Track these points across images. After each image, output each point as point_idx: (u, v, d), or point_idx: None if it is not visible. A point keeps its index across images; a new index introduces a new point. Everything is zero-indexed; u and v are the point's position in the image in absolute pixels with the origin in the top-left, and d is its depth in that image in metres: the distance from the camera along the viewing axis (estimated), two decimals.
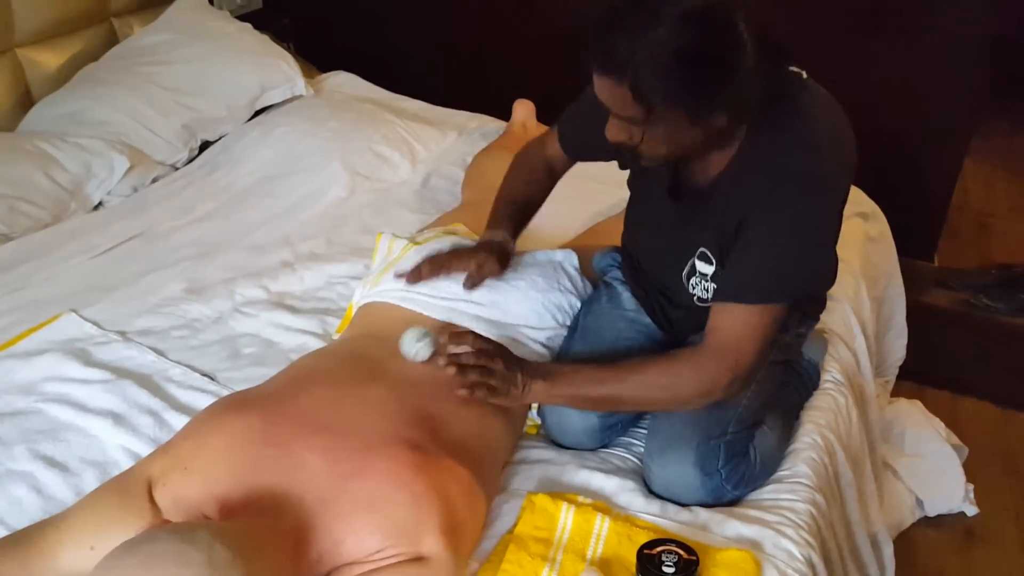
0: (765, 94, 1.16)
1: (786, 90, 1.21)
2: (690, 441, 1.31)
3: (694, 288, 1.35)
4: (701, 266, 1.32)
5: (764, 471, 1.37)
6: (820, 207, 1.23)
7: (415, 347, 1.30)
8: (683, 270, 1.35)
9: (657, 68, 1.07)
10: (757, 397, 1.39)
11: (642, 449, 1.42)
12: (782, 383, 1.49)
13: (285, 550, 1.00)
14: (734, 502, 1.34)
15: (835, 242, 1.33)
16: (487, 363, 1.26)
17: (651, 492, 1.33)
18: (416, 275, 1.46)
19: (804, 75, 1.24)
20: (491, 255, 1.47)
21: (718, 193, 1.26)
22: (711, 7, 1.08)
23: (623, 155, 1.39)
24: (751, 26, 1.09)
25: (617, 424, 1.44)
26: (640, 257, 1.53)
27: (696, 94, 1.10)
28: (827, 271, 1.38)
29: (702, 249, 1.31)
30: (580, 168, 1.62)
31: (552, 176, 1.61)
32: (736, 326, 1.24)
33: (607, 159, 1.47)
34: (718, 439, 1.32)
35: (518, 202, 1.57)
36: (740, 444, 1.34)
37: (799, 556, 1.20)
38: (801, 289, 1.30)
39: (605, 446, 1.44)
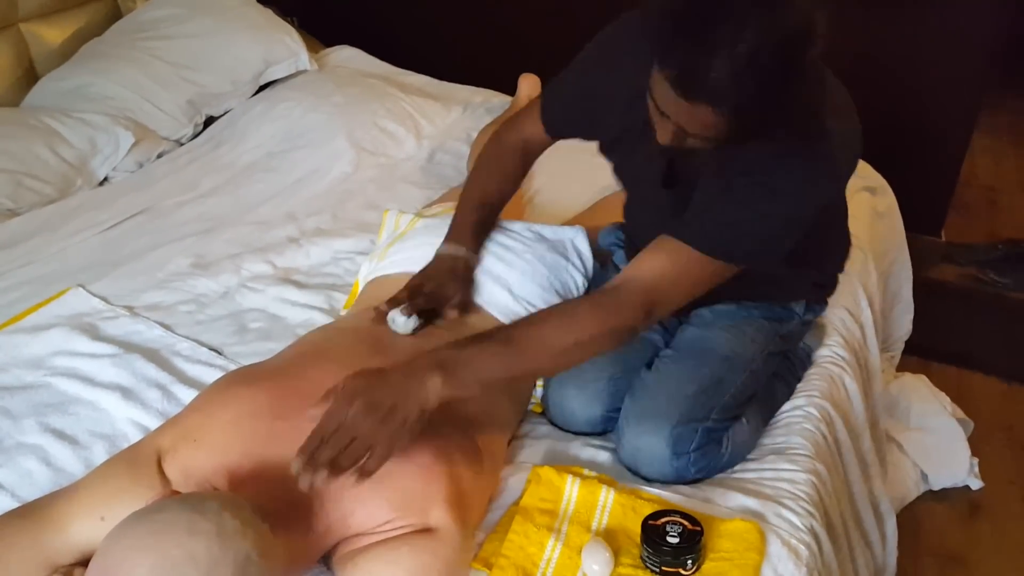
0: None
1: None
2: (670, 417, 1.30)
3: None
4: None
5: (729, 463, 1.35)
6: (809, 189, 1.18)
7: (402, 320, 1.30)
8: None
9: (760, 100, 1.00)
10: (748, 388, 1.38)
11: None
12: (774, 374, 1.47)
13: (294, 520, 1.01)
14: (693, 483, 1.32)
15: (808, 230, 1.25)
16: (347, 433, 1.02)
17: (620, 460, 1.33)
18: (390, 306, 1.32)
19: None
20: (455, 281, 1.35)
21: (709, 174, 1.22)
22: (800, 30, 1.00)
23: (607, 141, 1.37)
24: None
25: (619, 415, 1.42)
26: (641, 244, 1.50)
27: (779, 112, 1.05)
28: (781, 249, 1.27)
29: None
30: (586, 144, 1.60)
31: (526, 162, 1.51)
32: (672, 267, 1.19)
33: (587, 139, 1.43)
34: (698, 423, 1.30)
35: (488, 204, 1.48)
36: (717, 432, 1.33)
37: (801, 526, 1.21)
38: (761, 259, 1.24)
39: (609, 431, 1.44)
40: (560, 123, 1.44)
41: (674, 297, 1.21)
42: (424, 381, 1.06)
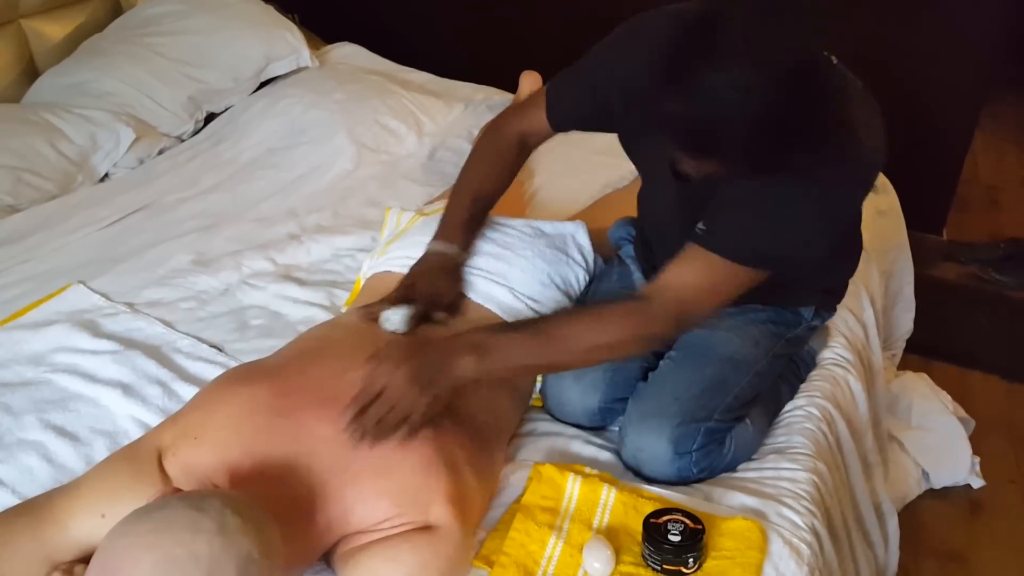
0: None
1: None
2: (672, 417, 1.30)
3: None
4: None
5: (731, 464, 1.35)
6: (839, 194, 1.19)
7: (396, 319, 1.28)
8: None
9: (770, 147, 1.01)
10: (752, 389, 1.38)
11: None
12: (779, 376, 1.47)
13: (295, 518, 1.01)
14: (695, 483, 1.32)
15: (843, 231, 1.29)
16: (395, 391, 1.11)
17: (621, 460, 1.33)
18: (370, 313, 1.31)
19: (833, 60, 1.16)
20: (446, 279, 1.34)
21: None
22: (806, 69, 1.00)
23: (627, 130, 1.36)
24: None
25: (617, 407, 1.42)
26: (652, 235, 1.50)
27: (794, 143, 1.05)
28: (827, 255, 1.31)
29: None
30: (587, 140, 1.59)
31: (522, 154, 1.49)
32: (705, 277, 1.19)
33: (598, 131, 1.43)
34: (701, 422, 1.30)
35: (481, 198, 1.46)
36: (720, 432, 1.32)
37: (803, 525, 1.21)
38: (790, 264, 1.26)
39: (604, 427, 1.44)
40: (568, 117, 1.42)
41: (705, 306, 1.23)
42: (458, 360, 1.15)
